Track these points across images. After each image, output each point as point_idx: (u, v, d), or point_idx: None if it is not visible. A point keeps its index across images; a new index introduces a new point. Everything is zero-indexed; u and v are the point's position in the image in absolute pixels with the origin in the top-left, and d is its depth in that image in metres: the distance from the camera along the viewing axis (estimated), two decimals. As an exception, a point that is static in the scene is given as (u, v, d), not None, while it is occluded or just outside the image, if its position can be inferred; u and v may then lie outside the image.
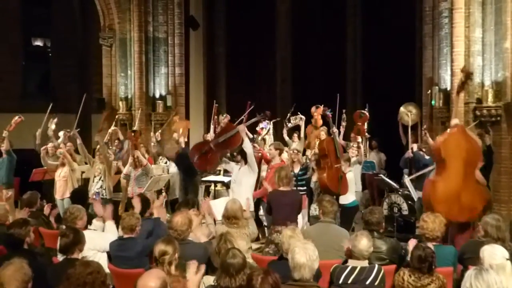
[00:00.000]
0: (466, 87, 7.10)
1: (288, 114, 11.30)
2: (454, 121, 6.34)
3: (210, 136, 11.65)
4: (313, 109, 10.63)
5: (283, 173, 6.12)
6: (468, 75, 6.91)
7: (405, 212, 8.61)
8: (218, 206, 6.26)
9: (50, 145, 9.57)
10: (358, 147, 9.11)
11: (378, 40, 13.72)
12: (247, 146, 7.12)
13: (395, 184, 9.04)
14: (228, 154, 8.03)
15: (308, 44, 15.05)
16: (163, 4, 12.74)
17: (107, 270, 4.19)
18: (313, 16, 15.16)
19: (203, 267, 3.62)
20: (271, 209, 6.11)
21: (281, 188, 6.10)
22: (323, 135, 9.88)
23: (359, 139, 9.39)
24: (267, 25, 15.30)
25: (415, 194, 8.20)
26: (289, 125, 11.08)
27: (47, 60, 17.83)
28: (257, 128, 11.19)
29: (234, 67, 15.51)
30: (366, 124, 10.49)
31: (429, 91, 9.90)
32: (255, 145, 9.82)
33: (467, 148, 6.07)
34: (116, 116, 12.62)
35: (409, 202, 8.60)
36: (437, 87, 9.63)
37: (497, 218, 4.98)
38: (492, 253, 3.94)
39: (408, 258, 4.27)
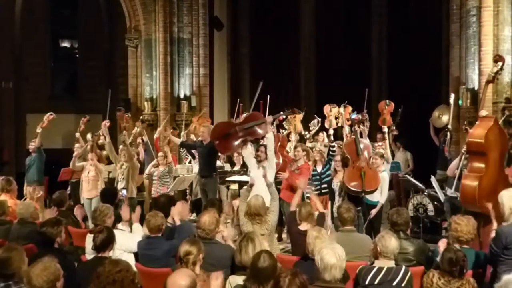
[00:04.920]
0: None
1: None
2: (483, 112, 6.22)
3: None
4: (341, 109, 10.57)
5: (304, 210, 5.49)
6: (503, 63, 6.67)
7: (431, 213, 8.50)
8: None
9: (77, 145, 9.51)
10: (383, 139, 9.01)
11: (404, 39, 13.57)
12: (270, 139, 6.97)
13: (420, 185, 8.93)
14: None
15: (333, 45, 14.98)
16: (188, 5, 12.84)
17: (134, 269, 4.23)
18: (337, 16, 15.08)
19: (220, 275, 3.61)
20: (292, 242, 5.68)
21: (300, 227, 5.43)
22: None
23: (385, 128, 9.23)
24: (291, 26, 15.28)
25: (442, 195, 8.09)
26: (309, 135, 10.81)
27: (74, 61, 18.12)
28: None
29: (258, 68, 15.52)
30: (390, 114, 10.24)
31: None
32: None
33: (501, 139, 6.04)
34: (141, 117, 12.75)
35: (435, 202, 8.49)
36: (464, 86, 9.49)
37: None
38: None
39: (438, 259, 4.21)
